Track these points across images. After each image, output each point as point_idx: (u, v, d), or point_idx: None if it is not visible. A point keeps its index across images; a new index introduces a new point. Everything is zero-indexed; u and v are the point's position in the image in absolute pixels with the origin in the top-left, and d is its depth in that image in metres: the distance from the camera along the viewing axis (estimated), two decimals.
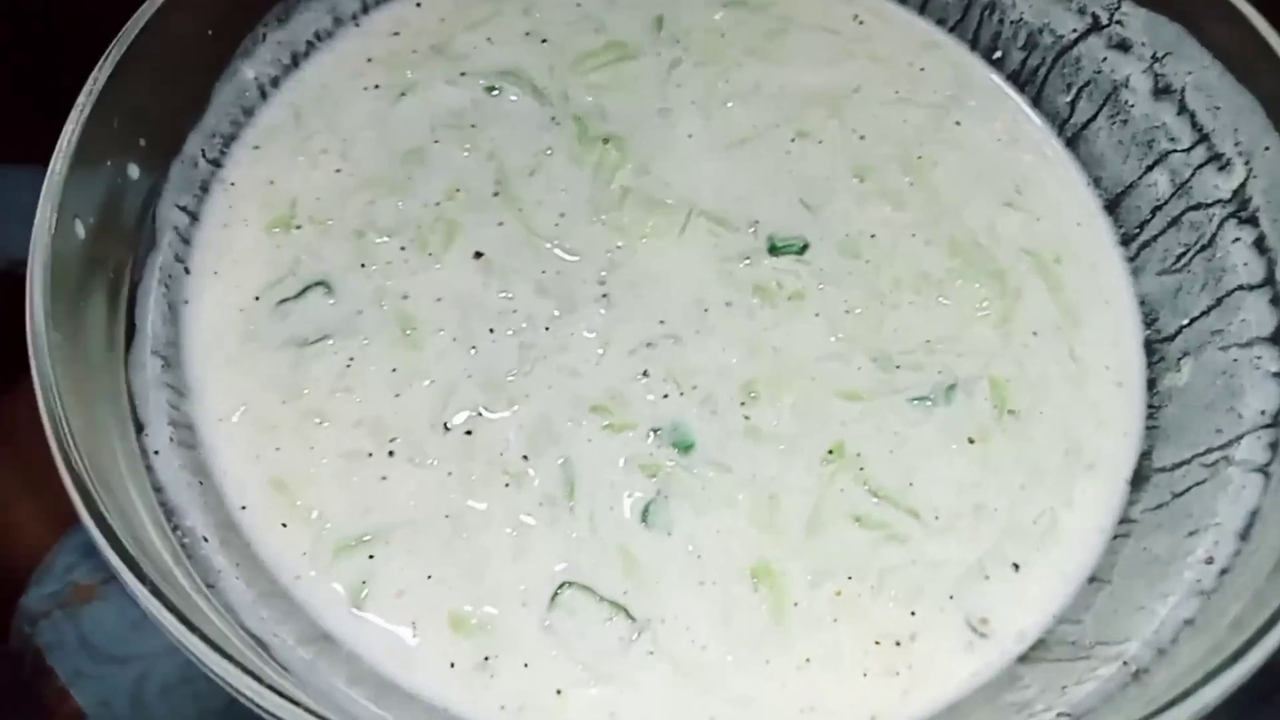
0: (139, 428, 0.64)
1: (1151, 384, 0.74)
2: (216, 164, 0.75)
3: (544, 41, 0.82)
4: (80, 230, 0.62)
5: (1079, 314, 0.75)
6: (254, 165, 0.76)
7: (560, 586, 0.65)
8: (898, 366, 0.72)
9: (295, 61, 0.79)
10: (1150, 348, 0.75)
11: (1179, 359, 0.72)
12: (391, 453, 0.68)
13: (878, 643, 0.65)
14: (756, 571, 0.66)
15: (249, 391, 0.69)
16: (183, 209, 0.72)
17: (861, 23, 0.86)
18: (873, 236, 0.76)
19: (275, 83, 0.78)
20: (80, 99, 0.62)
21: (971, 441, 0.70)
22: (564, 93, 0.80)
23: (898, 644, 0.65)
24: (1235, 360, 0.69)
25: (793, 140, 0.80)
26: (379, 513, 0.66)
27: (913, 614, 0.66)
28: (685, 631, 0.64)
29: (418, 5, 0.83)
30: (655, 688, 0.63)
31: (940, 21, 0.86)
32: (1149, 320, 0.76)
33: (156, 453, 0.64)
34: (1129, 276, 0.77)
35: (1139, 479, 0.70)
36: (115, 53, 0.64)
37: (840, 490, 0.68)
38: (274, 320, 0.71)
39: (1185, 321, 0.74)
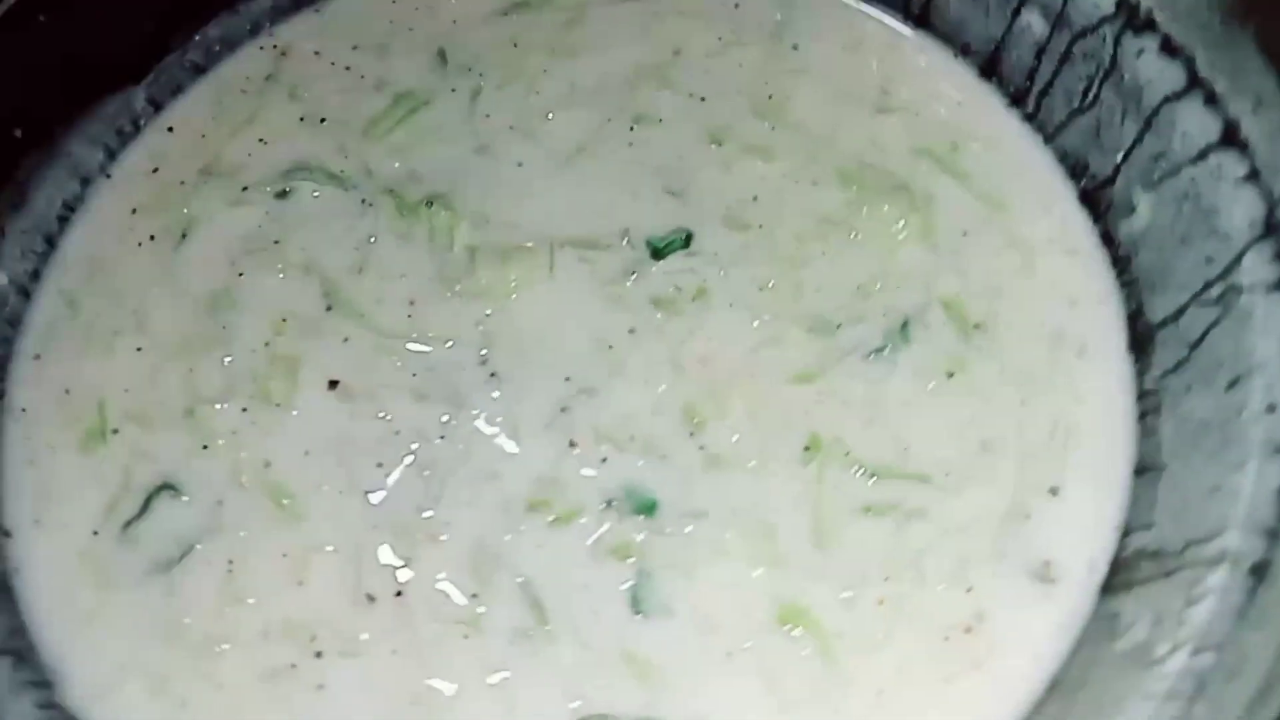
0: None
1: (1109, 239, 0.65)
2: None
3: (323, 121, 0.70)
4: None
5: (999, 196, 0.67)
6: (40, 378, 0.63)
7: None
8: (838, 326, 0.63)
9: (51, 242, 0.66)
10: (1090, 200, 0.66)
11: (1130, 200, 0.64)
12: (319, 653, 0.56)
13: (946, 639, 0.55)
14: (784, 616, 0.56)
15: (123, 649, 0.56)
16: None
17: None
18: (755, 199, 0.67)
19: (35, 276, 0.65)
20: None
21: (950, 375, 0.61)
22: (365, 168, 0.68)
23: (968, 631, 0.55)
24: (1193, 179, 0.61)
25: (631, 129, 0.70)
26: None
27: (969, 590, 0.56)
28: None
29: (170, 131, 0.70)
30: None
31: None
32: (1077, 173, 0.67)
33: None
34: (1035, 136, 0.69)
35: (1141, 343, 0.62)
36: None
37: (834, 487, 0.58)
38: (124, 551, 0.58)
39: (1119, 159, 0.65)
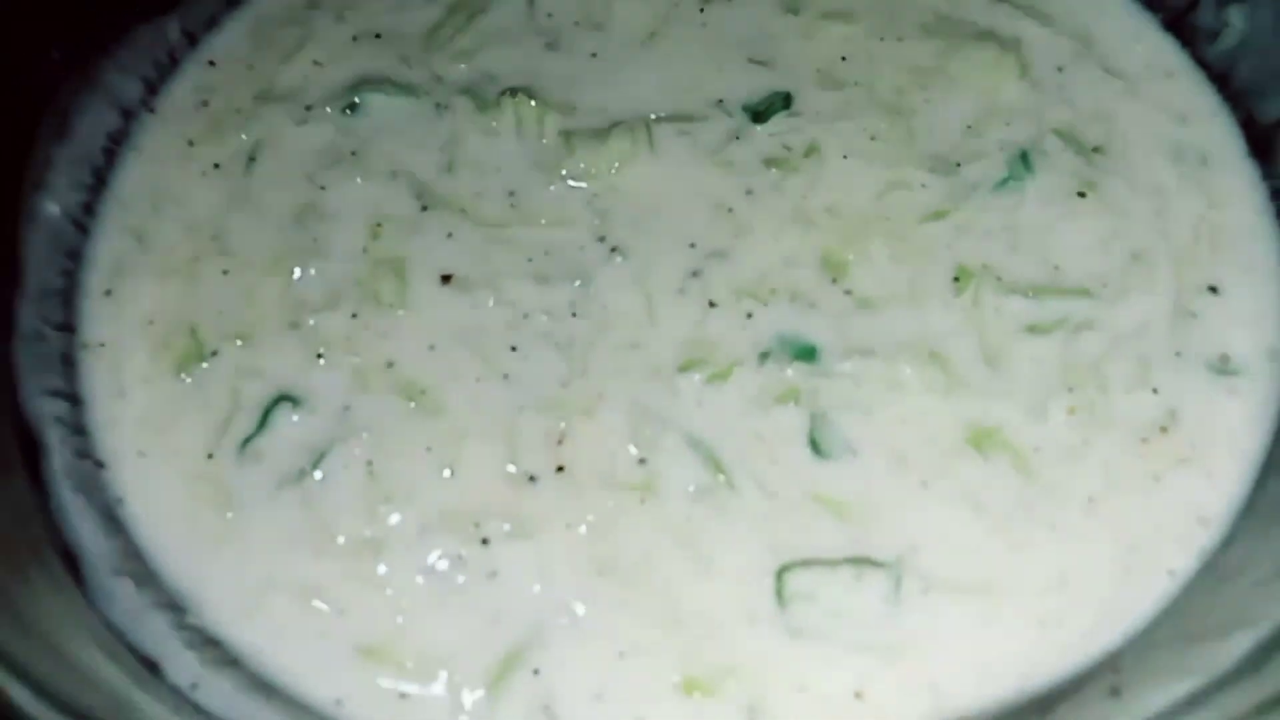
0: (151, 667, 0.45)
1: (1203, 63, 0.65)
2: (66, 328, 0.56)
3: (378, 37, 0.67)
4: None
5: (1084, 30, 0.67)
6: (117, 314, 0.58)
7: (779, 576, 0.49)
8: (959, 164, 0.61)
9: (98, 175, 0.61)
10: (1179, 26, 0.66)
11: (1218, 19, 0.64)
12: (485, 540, 0.51)
13: (1145, 440, 0.53)
14: (974, 439, 0.52)
15: (263, 566, 0.51)
16: (56, 394, 0.53)
17: None
18: (843, 59, 0.65)
19: (89, 210, 0.60)
20: None
21: (1082, 195, 0.60)
22: (433, 75, 0.65)
23: (1164, 430, 0.53)
24: None
25: (701, 10, 0.68)
26: (511, 618, 0.49)
27: (1155, 391, 0.54)
28: (944, 547, 0.50)
29: (211, 64, 0.66)
30: (957, 621, 0.48)
31: None
32: (1154, 4, 0.67)
33: (195, 686, 0.45)
34: None
35: (1260, 148, 0.61)
36: None
37: (995, 310, 0.56)
38: (247, 469, 0.53)
39: None
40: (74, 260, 0.59)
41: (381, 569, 0.50)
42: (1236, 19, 0.63)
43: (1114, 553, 0.50)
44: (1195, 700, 0.41)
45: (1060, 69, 0.65)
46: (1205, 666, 0.43)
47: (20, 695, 0.39)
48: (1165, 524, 0.50)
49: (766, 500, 0.51)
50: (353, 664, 0.48)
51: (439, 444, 0.53)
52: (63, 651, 0.44)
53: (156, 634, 0.48)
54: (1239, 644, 0.42)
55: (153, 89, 0.65)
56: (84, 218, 0.60)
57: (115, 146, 0.62)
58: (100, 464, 0.53)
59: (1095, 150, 0.62)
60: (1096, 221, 0.59)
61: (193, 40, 0.67)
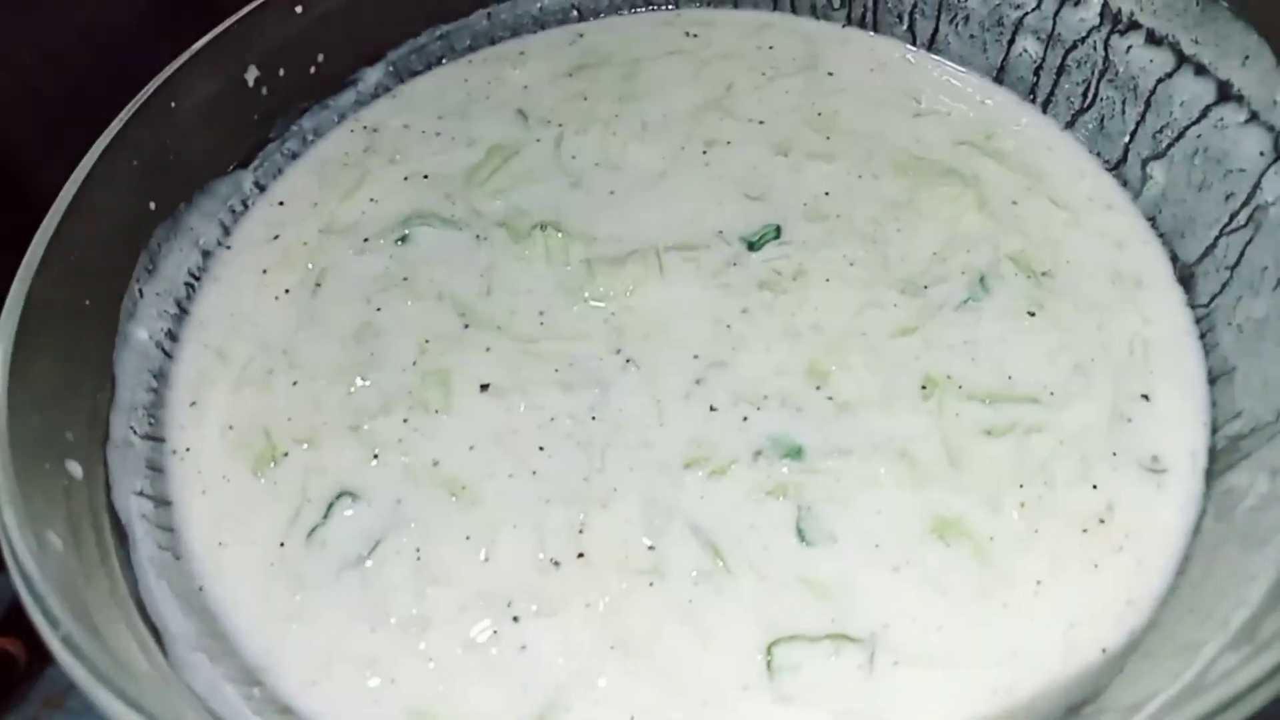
0: None
1: (1144, 181, 0.74)
2: (154, 437, 0.66)
3: (425, 178, 0.78)
4: (57, 543, 0.52)
5: (1035, 169, 0.77)
6: (200, 420, 0.67)
7: (769, 650, 0.57)
8: (926, 286, 0.70)
9: (180, 305, 0.71)
10: (1115, 171, 0.76)
11: (1143, 172, 0.74)
12: (516, 618, 0.59)
13: (1085, 530, 0.61)
14: (938, 528, 0.61)
15: (328, 640, 0.59)
16: (142, 494, 0.62)
17: (695, 36, 0.87)
18: (827, 194, 0.75)
19: (172, 336, 0.70)
20: None
21: (1031, 314, 0.69)
22: (473, 210, 0.76)
23: (1102, 521, 0.61)
24: (1199, 136, 0.71)
25: (704, 152, 0.78)
26: (538, 685, 0.57)
27: (1094, 487, 0.62)
28: (913, 624, 0.58)
29: (280, 204, 0.77)
30: (922, 690, 0.56)
31: (760, 5, 0.89)
32: (1095, 151, 0.77)
33: None
34: (1053, 122, 0.79)
35: (1184, 280, 0.71)
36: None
37: (956, 415, 0.65)
38: (314, 555, 0.61)
39: (1127, 139, 0.76)
40: (158, 379, 0.68)
41: (427, 643, 0.58)
42: (1158, 173, 0.73)
43: (1058, 630, 0.57)
44: None
45: (1014, 202, 0.75)
46: None
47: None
48: (1101, 605, 0.58)
49: (759, 583, 0.59)
50: None
51: (477, 532, 0.61)
52: (162, 702, 0.51)
53: (231, 704, 0.56)
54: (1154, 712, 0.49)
55: (227, 230, 0.76)
56: (165, 340, 0.70)
57: (195, 280, 0.73)
58: (176, 556, 0.62)
59: (1044, 274, 0.71)
60: (1044, 337, 0.68)
61: (262, 188, 0.78)
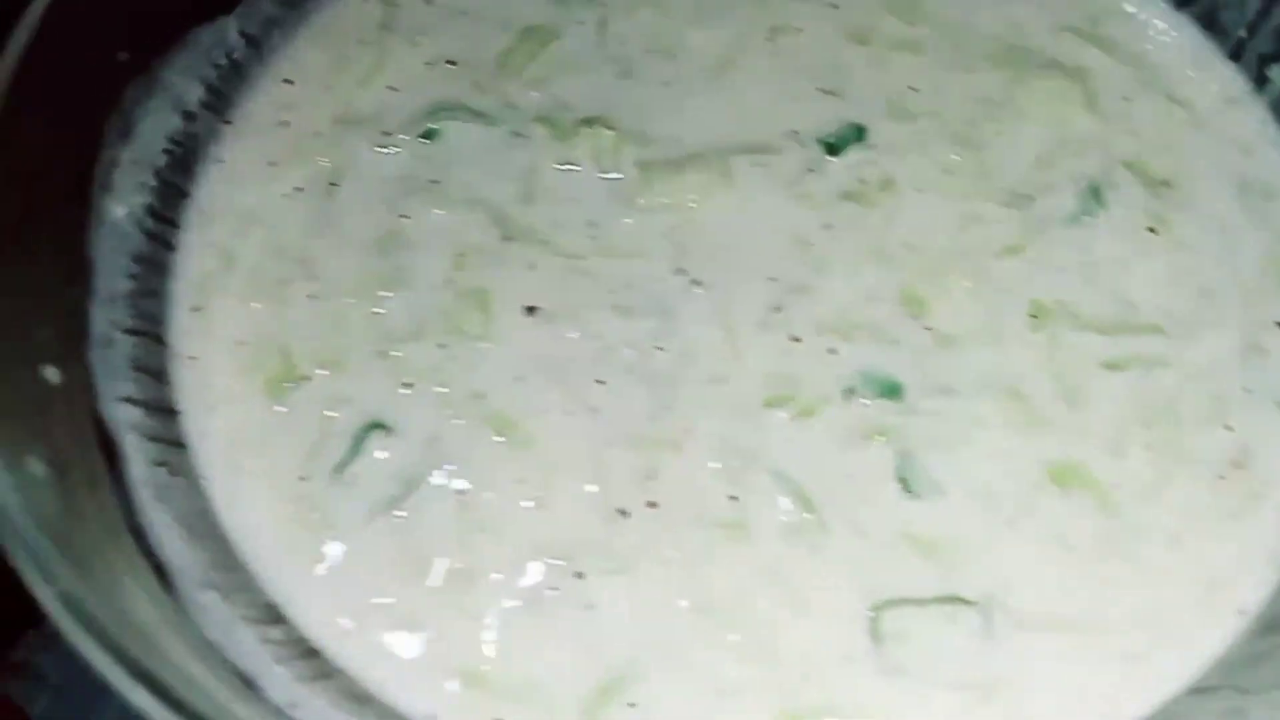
0: (247, 683, 0.45)
1: (1263, 83, 0.66)
2: (140, 333, 0.57)
3: (450, 64, 0.68)
4: (39, 470, 0.44)
5: (1147, 60, 0.67)
6: (206, 330, 0.58)
7: (872, 613, 0.50)
8: (1032, 197, 0.62)
9: (159, 176, 0.61)
10: (1236, 57, 0.67)
11: (1262, 71, 0.65)
12: (580, 573, 0.52)
13: (1221, 477, 0.54)
14: (1056, 476, 0.54)
15: (361, 592, 0.52)
16: (129, 401, 0.54)
17: None
18: (914, 90, 0.66)
19: (161, 218, 0.60)
20: None
21: (1152, 231, 0.61)
22: (509, 103, 0.66)
23: (1238, 466, 0.54)
24: None
25: (771, 40, 0.68)
26: (607, 650, 0.50)
27: (1228, 428, 0.55)
28: (1034, 584, 0.51)
29: (289, 83, 0.67)
30: (1046, 661, 0.50)
31: None
32: (1217, 31, 0.68)
33: (293, 705, 0.46)
34: (1166, 4, 0.70)
35: None
36: None
37: (1070, 346, 0.57)
38: (341, 495, 0.54)
39: (1244, 34, 0.66)
40: (142, 265, 0.58)
41: (477, 597, 0.51)
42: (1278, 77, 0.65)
43: (1195, 589, 0.51)
44: None
45: (1126, 98, 0.66)
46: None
47: (142, 700, 0.39)
48: (1240, 562, 0.52)
49: (858, 539, 0.52)
50: (448, 686, 0.50)
51: (531, 477, 0.54)
52: (171, 661, 0.44)
53: (247, 648, 0.49)
54: None
55: (214, 91, 0.65)
56: (160, 227, 0.60)
57: (175, 148, 0.62)
58: (176, 473, 0.53)
59: (1164, 183, 0.63)
60: (1167, 258, 0.60)
61: (250, 40, 0.67)
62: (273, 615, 0.51)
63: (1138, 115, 0.65)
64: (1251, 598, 0.51)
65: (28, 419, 0.47)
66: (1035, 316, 0.58)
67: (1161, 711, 0.49)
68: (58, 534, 0.43)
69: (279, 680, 0.48)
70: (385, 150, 0.64)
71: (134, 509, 0.51)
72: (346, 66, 0.68)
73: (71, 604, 0.39)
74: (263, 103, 0.66)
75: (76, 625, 0.39)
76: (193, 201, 0.62)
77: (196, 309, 0.58)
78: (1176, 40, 0.68)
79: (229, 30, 0.65)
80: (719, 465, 0.54)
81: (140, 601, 0.46)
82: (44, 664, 0.77)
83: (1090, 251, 0.60)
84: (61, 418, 0.49)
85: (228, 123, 0.65)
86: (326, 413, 0.56)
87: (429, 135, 0.64)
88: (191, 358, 0.57)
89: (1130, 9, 0.70)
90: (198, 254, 0.60)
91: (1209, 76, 0.67)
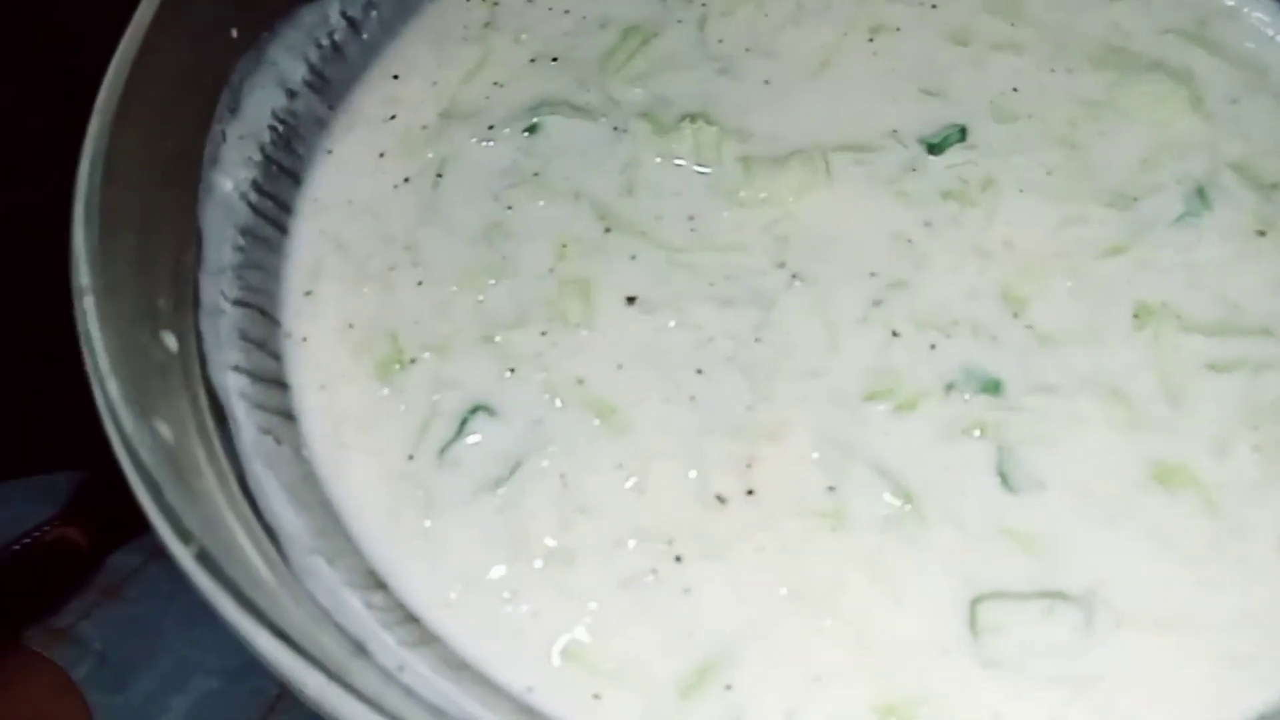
0: (358, 647, 0.47)
1: None
2: (247, 304, 0.59)
3: (554, 60, 0.69)
4: (168, 434, 0.46)
5: (1256, 61, 0.66)
6: (316, 313, 0.60)
7: (972, 607, 0.50)
8: (1135, 199, 0.61)
9: (264, 152, 0.63)
10: None
11: None
12: (678, 558, 0.52)
13: None
14: (1159, 475, 0.53)
15: (463, 566, 0.53)
16: (239, 370, 0.56)
17: None
18: (1015, 90, 0.66)
19: (257, 188, 0.62)
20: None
21: (1262, 233, 0.60)
22: (610, 99, 0.67)
23: None
24: None
25: (870, 40, 0.69)
26: (704, 633, 0.51)
27: None
28: (1136, 582, 0.51)
29: (395, 79, 0.69)
30: (1148, 659, 0.49)
31: None
32: None
33: (401, 669, 0.47)
34: (1274, 2, 0.69)
35: None
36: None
37: (1175, 347, 0.56)
38: (446, 474, 0.55)
39: None
40: (248, 239, 0.60)
41: (575, 576, 0.52)
42: None
43: None
44: None
45: (1234, 100, 0.65)
46: None
47: (269, 645, 0.40)
48: None
49: (956, 532, 0.52)
50: (547, 660, 0.50)
51: (629, 461, 0.55)
52: (293, 620, 0.45)
53: (354, 613, 0.50)
54: None
55: (315, 70, 0.67)
56: (265, 203, 0.62)
57: (279, 124, 0.64)
58: (281, 442, 0.55)
59: (1274, 186, 0.62)
60: (1276, 261, 0.59)
61: (351, 23, 0.69)
62: (374, 580, 0.52)
63: (1245, 117, 0.64)
64: None
65: (153, 383, 0.49)
66: (1138, 317, 0.57)
67: (1264, 716, 0.48)
68: (186, 497, 0.45)
69: (385, 644, 0.50)
70: (489, 144, 0.66)
71: (246, 475, 0.53)
72: (452, 63, 0.70)
73: (207, 562, 0.41)
74: (372, 97, 0.69)
75: (213, 583, 0.41)
76: (305, 190, 0.64)
77: (308, 293, 0.61)
78: None
79: (332, 10, 0.68)
80: (817, 456, 0.54)
81: (258, 564, 0.48)
82: (86, 630, 0.81)
83: (1196, 253, 0.59)
84: (179, 384, 0.51)
85: (334, 110, 0.67)
86: (433, 396, 0.57)
87: (532, 129, 0.66)
88: (303, 338, 0.59)
89: (1238, 7, 0.69)
90: (310, 241, 0.62)
91: None
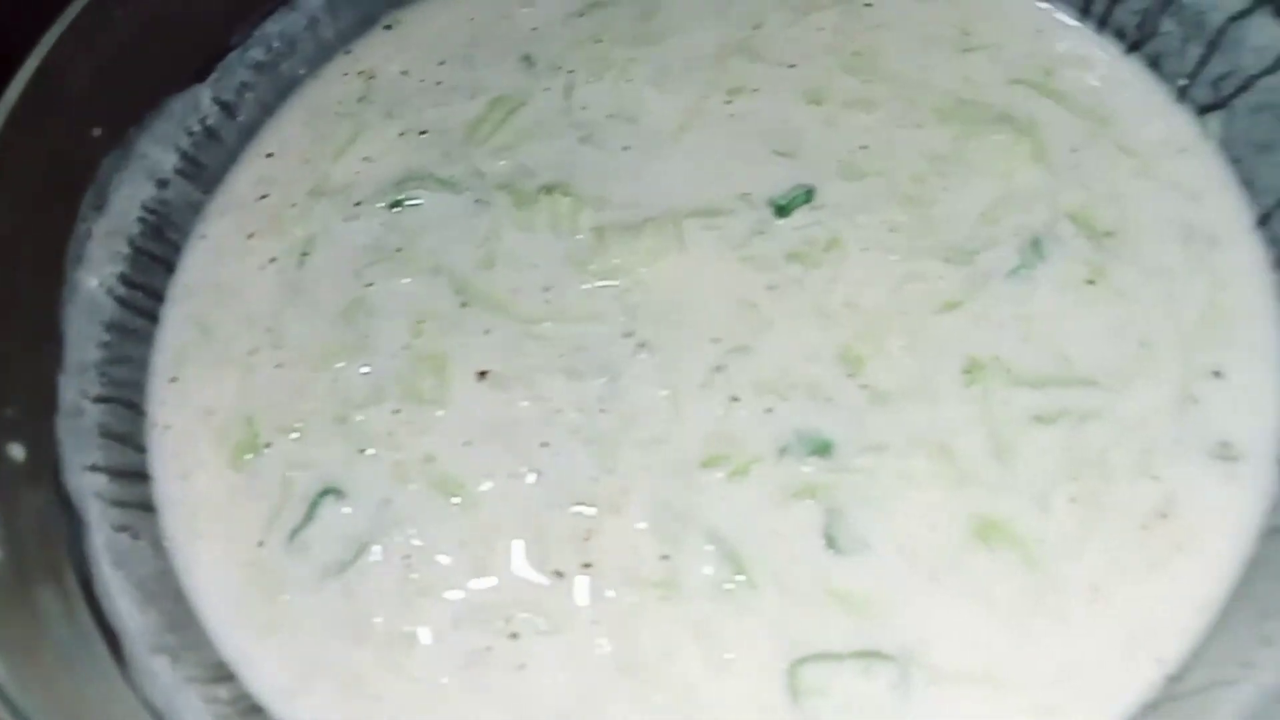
0: None
1: (1207, 129, 0.66)
2: (110, 400, 0.61)
3: (422, 134, 0.71)
4: None
5: (1098, 110, 0.68)
6: (180, 400, 0.63)
7: (793, 669, 0.52)
8: (974, 253, 0.63)
9: (132, 244, 0.65)
10: (1187, 98, 0.67)
11: (1200, 120, 0.65)
12: (514, 634, 0.54)
13: (1144, 527, 0.54)
14: (980, 531, 0.55)
15: (307, 652, 0.55)
16: (95, 469, 0.58)
17: None
18: (864, 148, 0.68)
19: (125, 281, 0.64)
20: None
21: (1091, 282, 0.61)
22: (474, 170, 0.69)
23: (1163, 517, 0.55)
24: (1271, 89, 0.62)
25: (728, 101, 0.70)
26: (540, 706, 0.53)
27: (1156, 479, 0.55)
28: (954, 639, 0.52)
29: (269, 156, 0.71)
30: (961, 712, 0.51)
31: None
32: (1168, 76, 0.68)
33: None
34: (1115, 47, 0.70)
35: (1264, 220, 0.62)
36: None
37: (1002, 402, 0.58)
38: (294, 559, 0.57)
39: (1184, 83, 0.67)
40: (114, 334, 0.62)
41: (416, 659, 0.54)
42: (1215, 126, 0.65)
43: (1114, 642, 0.52)
44: None
45: (1075, 149, 0.66)
46: None
47: None
48: (1160, 613, 0.52)
49: (783, 596, 0.54)
50: None
51: (473, 540, 0.57)
52: None
53: (193, 710, 0.52)
54: None
55: (187, 157, 0.68)
56: (134, 295, 0.64)
57: (148, 215, 0.66)
58: (138, 537, 0.57)
59: (1107, 234, 0.63)
60: (1106, 309, 0.60)
61: (224, 106, 0.70)
62: (221, 674, 0.54)
63: (1086, 165, 0.66)
64: (1172, 648, 0.52)
65: None
66: (969, 372, 0.59)
67: None
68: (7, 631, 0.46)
69: None
70: (355, 220, 0.68)
71: (91, 578, 0.54)
72: (324, 139, 0.72)
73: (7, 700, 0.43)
74: (247, 177, 0.71)
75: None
76: (177, 276, 0.67)
77: (173, 379, 0.63)
78: (1130, 88, 0.69)
79: (204, 97, 0.69)
80: (652, 526, 0.56)
81: (85, 676, 0.50)
82: None
83: (1028, 305, 0.61)
84: (21, 493, 0.53)
85: (208, 194, 0.69)
86: (285, 480, 0.59)
87: (397, 204, 0.68)
88: (166, 426, 0.61)
89: (1083, 55, 0.70)
90: (177, 327, 0.65)
91: (1161, 125, 0.67)
